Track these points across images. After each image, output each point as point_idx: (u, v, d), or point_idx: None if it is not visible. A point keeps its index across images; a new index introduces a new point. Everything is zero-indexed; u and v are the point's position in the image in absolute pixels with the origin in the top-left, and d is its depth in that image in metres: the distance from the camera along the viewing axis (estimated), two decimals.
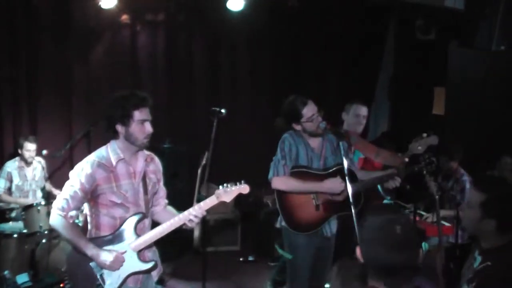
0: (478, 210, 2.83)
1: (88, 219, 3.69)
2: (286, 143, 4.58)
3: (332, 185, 4.46)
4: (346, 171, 4.20)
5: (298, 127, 4.58)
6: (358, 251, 2.33)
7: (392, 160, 4.88)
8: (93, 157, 3.59)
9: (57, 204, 3.57)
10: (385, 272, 2.22)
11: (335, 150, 4.66)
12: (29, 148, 6.85)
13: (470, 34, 7.64)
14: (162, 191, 4.00)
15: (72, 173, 3.59)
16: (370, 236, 2.25)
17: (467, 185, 6.29)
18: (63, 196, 3.56)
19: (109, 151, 3.60)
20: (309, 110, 4.51)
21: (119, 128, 3.53)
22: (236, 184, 3.74)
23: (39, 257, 6.05)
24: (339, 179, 4.43)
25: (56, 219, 3.55)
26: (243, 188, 3.75)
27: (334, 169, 4.59)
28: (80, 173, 3.53)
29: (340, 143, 4.35)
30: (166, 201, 4.04)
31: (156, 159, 3.93)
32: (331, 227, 4.67)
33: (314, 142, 4.64)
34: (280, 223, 4.72)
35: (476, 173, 6.38)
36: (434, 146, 4.93)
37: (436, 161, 4.64)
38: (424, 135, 4.80)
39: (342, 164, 4.41)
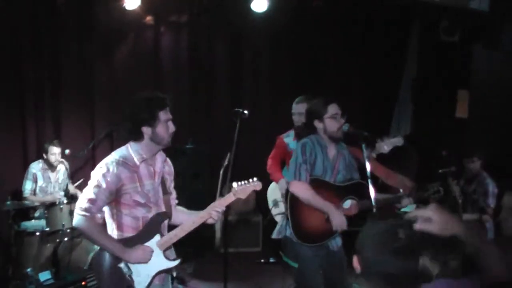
0: None
1: (108, 221, 3.65)
2: (308, 148, 4.51)
3: (339, 220, 4.34)
4: (369, 174, 4.17)
5: (320, 125, 4.53)
6: (355, 260, 2.21)
7: (401, 184, 4.87)
8: (116, 156, 3.57)
9: (81, 205, 3.47)
10: (386, 280, 2.10)
11: (347, 166, 4.63)
12: (54, 151, 6.87)
13: (495, 36, 7.56)
14: (174, 191, 4.02)
15: (95, 173, 3.52)
16: (371, 242, 2.15)
17: (490, 188, 6.24)
18: (88, 196, 3.47)
19: (131, 152, 3.59)
20: (334, 109, 4.48)
21: (145, 129, 3.54)
22: (249, 181, 3.75)
23: (61, 255, 6.11)
24: (344, 221, 4.36)
25: (82, 221, 3.46)
26: (257, 185, 3.77)
27: (351, 182, 4.56)
28: (105, 173, 3.48)
29: (363, 145, 4.31)
30: (177, 201, 4.07)
31: (169, 161, 3.95)
32: (337, 241, 4.61)
33: (331, 152, 4.59)
34: (283, 233, 4.65)
35: (500, 176, 6.33)
36: (399, 146, 4.98)
37: (442, 191, 4.67)
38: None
39: (356, 180, 4.50)
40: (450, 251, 2.71)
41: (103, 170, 3.49)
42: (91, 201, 3.46)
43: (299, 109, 5.79)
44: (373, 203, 4.15)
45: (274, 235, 4.86)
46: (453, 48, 8.26)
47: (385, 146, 4.79)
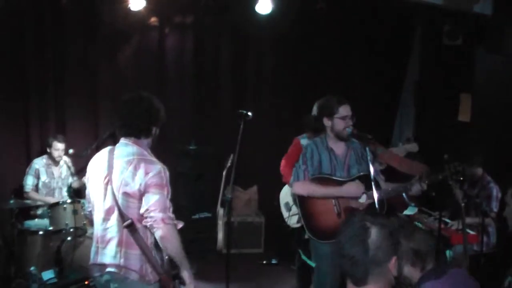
0: None
1: (143, 231, 3.42)
2: (309, 150, 4.61)
3: (351, 188, 4.46)
4: (372, 177, 4.18)
5: (328, 123, 4.58)
6: None
7: (416, 169, 4.88)
8: (154, 158, 3.48)
9: (168, 214, 3.33)
10: (351, 261, 2.31)
11: (360, 160, 4.65)
12: (58, 147, 6.94)
13: (498, 39, 7.56)
14: None
15: (159, 180, 3.34)
16: (347, 230, 2.37)
17: (494, 192, 6.24)
18: (168, 205, 3.36)
19: (148, 153, 3.51)
20: (345, 110, 4.55)
21: (153, 129, 3.55)
22: None
23: (64, 254, 6.12)
24: (358, 182, 4.44)
25: (173, 229, 3.36)
26: None
27: (357, 175, 4.57)
28: (167, 179, 3.40)
29: (367, 148, 4.34)
30: None
31: None
32: None
33: (339, 149, 4.63)
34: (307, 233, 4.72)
35: (503, 180, 6.34)
36: (414, 153, 4.96)
37: (462, 170, 4.57)
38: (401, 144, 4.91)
39: (365, 173, 4.47)
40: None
41: (166, 175, 3.41)
42: (170, 209, 3.37)
43: None
44: (376, 206, 4.17)
45: (306, 235, 4.91)
46: (456, 51, 8.24)
47: (399, 152, 4.81)
